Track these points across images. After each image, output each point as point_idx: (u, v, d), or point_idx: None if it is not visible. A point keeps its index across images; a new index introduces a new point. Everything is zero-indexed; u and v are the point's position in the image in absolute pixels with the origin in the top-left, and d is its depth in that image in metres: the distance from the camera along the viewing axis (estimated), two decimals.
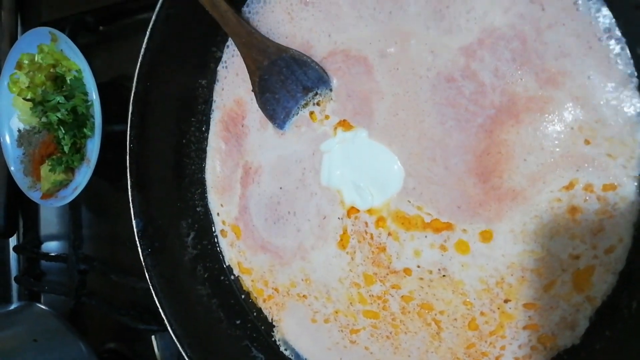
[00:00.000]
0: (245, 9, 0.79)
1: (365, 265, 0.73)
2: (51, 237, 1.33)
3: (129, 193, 0.81)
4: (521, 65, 0.59)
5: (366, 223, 0.72)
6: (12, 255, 1.38)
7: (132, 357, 1.15)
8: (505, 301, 0.64)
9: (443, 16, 0.63)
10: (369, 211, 0.72)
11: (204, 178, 0.89)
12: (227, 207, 0.86)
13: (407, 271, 0.70)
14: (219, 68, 0.85)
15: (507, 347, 0.65)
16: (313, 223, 0.77)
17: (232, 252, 0.88)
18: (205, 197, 0.89)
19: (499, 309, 0.65)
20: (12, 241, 1.38)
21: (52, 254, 1.29)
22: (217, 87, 0.85)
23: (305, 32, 0.74)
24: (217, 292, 0.87)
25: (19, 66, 1.12)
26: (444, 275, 0.67)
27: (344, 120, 0.73)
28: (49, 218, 1.33)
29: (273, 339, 0.85)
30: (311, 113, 0.76)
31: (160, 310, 0.79)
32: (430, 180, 0.66)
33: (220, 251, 0.89)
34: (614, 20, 0.56)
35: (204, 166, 0.88)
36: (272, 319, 0.85)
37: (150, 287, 0.80)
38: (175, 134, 0.86)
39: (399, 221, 0.69)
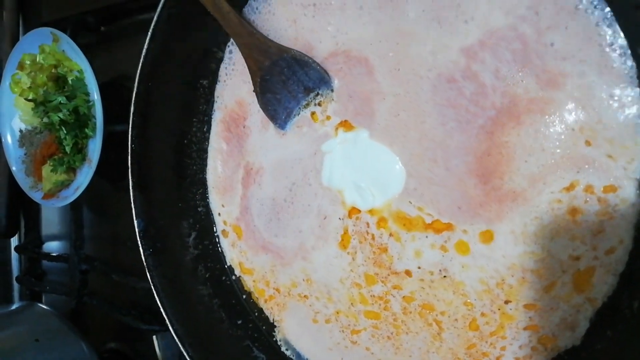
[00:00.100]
0: (246, 9, 0.79)
1: (367, 265, 0.73)
2: (52, 237, 1.34)
3: (131, 193, 0.81)
4: (522, 67, 0.59)
5: (367, 224, 0.72)
6: (14, 255, 1.38)
7: (133, 357, 1.15)
8: (506, 302, 0.64)
9: (444, 17, 0.63)
10: (370, 212, 0.72)
11: (205, 178, 0.89)
12: (229, 207, 0.86)
13: (408, 272, 0.70)
14: (220, 68, 0.85)
15: (507, 348, 0.66)
16: (314, 223, 0.77)
17: (233, 252, 0.88)
18: (207, 198, 0.89)
19: (499, 309, 0.65)
20: (14, 241, 1.38)
21: (54, 254, 1.29)
22: (219, 88, 0.85)
23: (307, 33, 0.74)
24: (218, 292, 0.87)
25: (21, 66, 1.12)
26: (444, 276, 0.67)
27: (345, 121, 0.73)
28: (51, 218, 1.33)
29: (274, 339, 0.85)
30: (312, 113, 0.76)
31: (162, 310, 0.79)
32: (431, 181, 0.66)
33: (222, 251, 0.89)
34: (614, 20, 0.56)
35: (205, 166, 0.88)
36: (273, 319, 0.85)
37: (152, 287, 0.80)
38: (177, 134, 0.86)
39: (400, 222, 0.69)
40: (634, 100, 0.55)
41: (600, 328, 0.61)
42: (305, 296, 0.80)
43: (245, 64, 0.76)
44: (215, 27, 0.75)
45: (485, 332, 0.66)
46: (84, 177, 1.04)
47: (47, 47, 1.08)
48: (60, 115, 1.04)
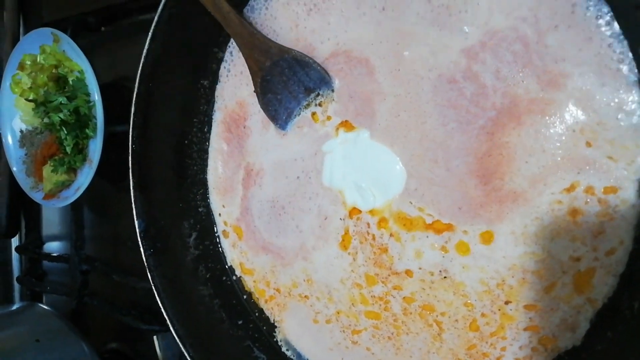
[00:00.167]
0: (247, 10, 0.79)
1: (367, 266, 0.73)
2: (53, 238, 1.34)
3: (131, 193, 0.81)
4: (522, 68, 0.59)
5: (368, 224, 0.72)
6: (14, 255, 1.38)
7: (134, 357, 1.16)
8: (506, 303, 0.64)
9: (444, 18, 0.63)
10: (371, 212, 0.72)
11: (206, 179, 0.89)
12: (229, 208, 0.86)
13: (408, 272, 0.70)
14: (220, 69, 0.85)
15: (507, 348, 0.66)
16: (315, 223, 0.77)
17: (234, 252, 0.88)
18: (207, 198, 0.89)
19: (499, 310, 0.65)
20: (15, 241, 1.38)
21: (54, 255, 1.29)
22: (219, 88, 0.85)
23: (308, 33, 0.74)
24: (219, 292, 0.87)
25: (21, 67, 1.12)
26: (445, 277, 0.67)
27: (346, 121, 0.73)
28: (51, 218, 1.33)
29: (275, 340, 0.85)
30: (313, 114, 0.76)
31: (163, 310, 0.79)
32: (432, 181, 0.66)
33: (222, 252, 0.89)
34: (615, 21, 0.56)
35: (206, 167, 0.88)
36: (273, 320, 0.85)
37: (153, 287, 0.80)
38: (177, 135, 0.86)
39: (400, 222, 0.69)
40: (635, 101, 0.55)
41: (600, 329, 0.61)
42: (305, 296, 0.80)
43: (245, 65, 0.76)
44: (215, 28, 0.75)
45: (486, 332, 0.66)
46: (85, 177, 1.05)
47: (47, 47, 1.08)
48: (61, 115, 1.04)
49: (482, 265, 0.64)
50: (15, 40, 1.22)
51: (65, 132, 1.05)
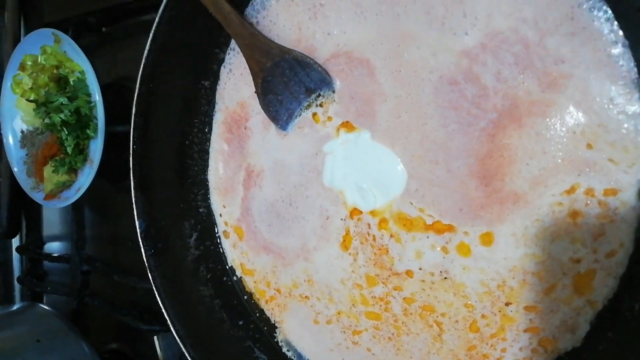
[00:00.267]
0: (248, 10, 0.79)
1: (368, 266, 0.73)
2: (54, 238, 1.34)
3: (132, 194, 0.81)
4: (523, 69, 0.59)
5: (369, 224, 0.72)
6: (15, 255, 1.38)
7: (134, 358, 1.16)
8: (507, 304, 0.64)
9: (445, 19, 0.63)
10: (372, 213, 0.72)
11: (207, 179, 0.89)
12: (230, 208, 0.86)
13: (409, 273, 0.70)
14: (221, 69, 0.85)
15: (508, 350, 0.66)
16: (316, 224, 0.77)
17: (234, 253, 0.88)
18: (208, 199, 0.89)
19: (500, 311, 0.65)
20: (15, 242, 1.38)
21: (55, 255, 1.29)
22: (220, 89, 0.85)
23: (308, 34, 0.74)
24: (219, 292, 0.87)
25: (22, 67, 1.13)
26: (445, 278, 0.67)
27: (347, 122, 0.73)
28: (52, 219, 1.33)
29: (275, 340, 0.85)
30: (314, 114, 0.76)
31: (163, 310, 0.79)
32: (433, 182, 0.66)
33: (223, 252, 0.89)
34: (615, 23, 0.56)
35: (207, 167, 0.88)
36: (274, 320, 0.85)
37: (153, 287, 0.80)
38: (178, 135, 0.86)
39: (400, 223, 0.69)
40: (636, 103, 0.55)
41: (600, 330, 0.61)
42: (306, 297, 0.80)
43: (246, 65, 0.76)
44: (216, 28, 0.75)
45: (486, 333, 0.66)
46: (86, 177, 1.05)
47: (48, 47, 1.08)
48: (62, 116, 1.04)
49: (483, 267, 0.64)
50: (16, 40, 1.22)
51: (66, 132, 1.05)
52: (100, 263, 1.18)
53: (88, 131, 1.05)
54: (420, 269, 0.69)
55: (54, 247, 1.34)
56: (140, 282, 1.08)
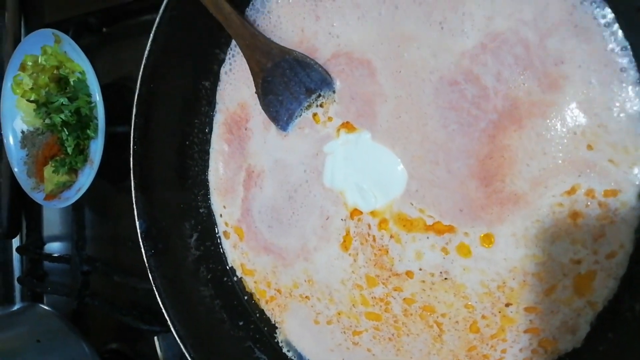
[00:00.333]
0: (248, 11, 0.79)
1: (368, 267, 0.73)
2: (54, 238, 1.34)
3: (133, 194, 0.81)
4: (524, 70, 0.59)
5: (369, 225, 0.72)
6: (15, 256, 1.38)
7: (134, 358, 1.16)
8: (507, 305, 0.64)
9: (445, 20, 0.63)
10: (372, 213, 0.72)
11: (207, 180, 0.89)
12: (230, 208, 0.86)
13: (409, 274, 0.70)
14: (222, 70, 0.85)
15: (508, 350, 0.66)
16: (316, 224, 0.77)
17: (235, 253, 0.88)
18: (208, 199, 0.89)
19: (500, 312, 0.65)
20: (15, 242, 1.38)
21: (55, 255, 1.29)
22: (220, 89, 0.85)
23: (309, 35, 0.74)
24: (220, 293, 0.87)
25: (23, 68, 1.12)
26: (445, 278, 0.67)
27: (347, 122, 0.73)
28: (52, 219, 1.33)
29: (276, 340, 0.85)
30: (314, 115, 0.76)
31: (164, 311, 0.79)
32: (433, 183, 0.66)
33: (223, 252, 0.89)
34: (616, 23, 0.56)
35: (207, 168, 0.88)
36: (274, 321, 0.85)
37: (154, 288, 0.80)
38: (179, 136, 0.86)
39: (401, 223, 0.69)
40: (636, 104, 0.55)
41: (601, 331, 0.61)
42: (306, 297, 0.80)
43: (247, 66, 0.76)
44: (217, 29, 0.75)
45: (486, 334, 0.66)
46: (86, 178, 1.05)
47: (49, 48, 1.08)
48: (62, 116, 1.04)
49: (483, 267, 0.64)
50: (17, 41, 1.22)
51: (67, 132, 1.05)
52: (101, 263, 1.18)
53: (88, 131, 1.05)
54: (420, 269, 0.69)
55: (54, 248, 1.34)
56: (140, 282, 1.08)
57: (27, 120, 1.16)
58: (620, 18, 0.55)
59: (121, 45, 1.16)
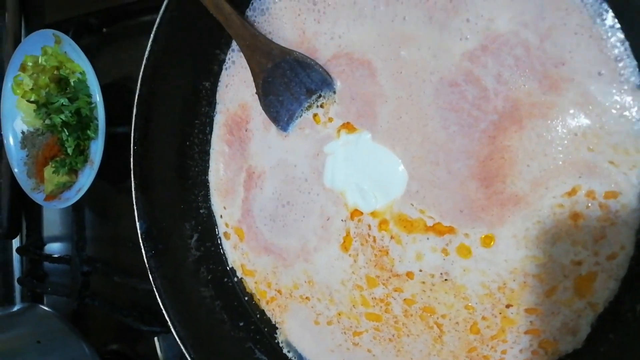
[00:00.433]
0: (249, 11, 0.79)
1: (368, 268, 0.73)
2: (54, 239, 1.34)
3: (133, 195, 0.81)
4: (524, 71, 0.59)
5: (369, 226, 0.72)
6: (15, 256, 1.38)
7: (134, 359, 1.16)
8: (507, 306, 0.64)
9: (446, 21, 0.63)
10: (372, 214, 0.72)
11: (207, 180, 0.89)
12: (230, 209, 0.86)
13: (409, 274, 0.70)
14: (222, 70, 0.84)
15: (508, 351, 0.66)
16: (317, 224, 0.77)
17: (235, 254, 0.88)
18: (209, 200, 0.89)
19: (500, 313, 0.65)
20: (16, 242, 1.38)
21: (55, 256, 1.29)
22: (220, 90, 0.85)
23: (309, 35, 0.74)
24: (220, 293, 0.87)
25: (23, 68, 1.13)
26: (446, 280, 0.67)
27: (348, 123, 0.73)
28: (52, 219, 1.33)
29: (276, 341, 0.85)
30: (314, 115, 0.76)
31: (164, 311, 0.79)
32: (433, 184, 0.66)
33: (224, 253, 0.89)
34: (617, 25, 0.56)
35: (208, 168, 0.88)
36: (275, 321, 0.85)
37: (154, 288, 0.80)
38: (179, 136, 0.86)
39: (401, 224, 0.69)
40: (636, 105, 0.55)
41: (601, 333, 0.61)
42: (307, 298, 0.80)
43: (247, 66, 0.76)
44: (217, 29, 0.75)
45: (486, 335, 0.66)
46: (86, 178, 1.05)
47: (49, 48, 1.08)
48: (62, 117, 1.04)
49: (483, 269, 0.64)
50: (17, 41, 1.22)
51: (67, 133, 1.05)
52: (101, 264, 1.18)
53: (89, 132, 1.05)
54: (420, 270, 0.69)
55: (54, 248, 1.34)
56: (140, 283, 1.08)
57: (27, 121, 1.16)
58: (620, 19, 0.55)
59: (121, 46, 1.16)
